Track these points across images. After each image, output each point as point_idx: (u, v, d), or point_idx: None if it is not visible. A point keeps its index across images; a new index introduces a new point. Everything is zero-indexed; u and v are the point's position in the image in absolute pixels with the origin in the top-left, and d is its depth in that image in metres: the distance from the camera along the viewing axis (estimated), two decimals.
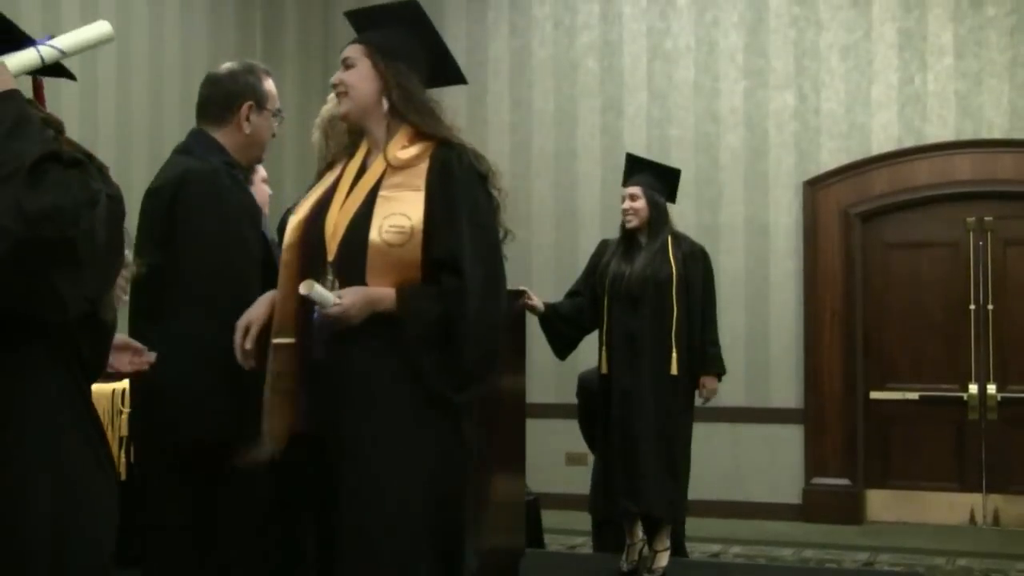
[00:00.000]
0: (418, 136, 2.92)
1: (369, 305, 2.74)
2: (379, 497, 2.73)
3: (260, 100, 3.24)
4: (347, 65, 2.97)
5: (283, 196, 5.81)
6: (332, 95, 3.89)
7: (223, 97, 3.21)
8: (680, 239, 5.25)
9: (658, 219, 5.20)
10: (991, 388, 7.50)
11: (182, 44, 7.11)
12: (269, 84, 3.30)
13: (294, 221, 2.94)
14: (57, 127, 1.97)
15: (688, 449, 5.23)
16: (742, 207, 7.95)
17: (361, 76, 2.94)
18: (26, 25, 2.37)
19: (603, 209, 8.00)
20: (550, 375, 7.24)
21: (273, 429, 2.87)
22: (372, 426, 2.74)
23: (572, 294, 5.44)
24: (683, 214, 7.86)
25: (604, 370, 5.18)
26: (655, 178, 5.32)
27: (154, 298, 2.99)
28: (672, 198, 5.42)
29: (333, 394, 2.79)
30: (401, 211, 2.79)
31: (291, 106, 8.10)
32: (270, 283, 2.98)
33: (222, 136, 3.19)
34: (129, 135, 6.67)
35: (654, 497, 5.03)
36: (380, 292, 2.76)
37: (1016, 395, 7.48)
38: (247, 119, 3.21)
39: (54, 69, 2.10)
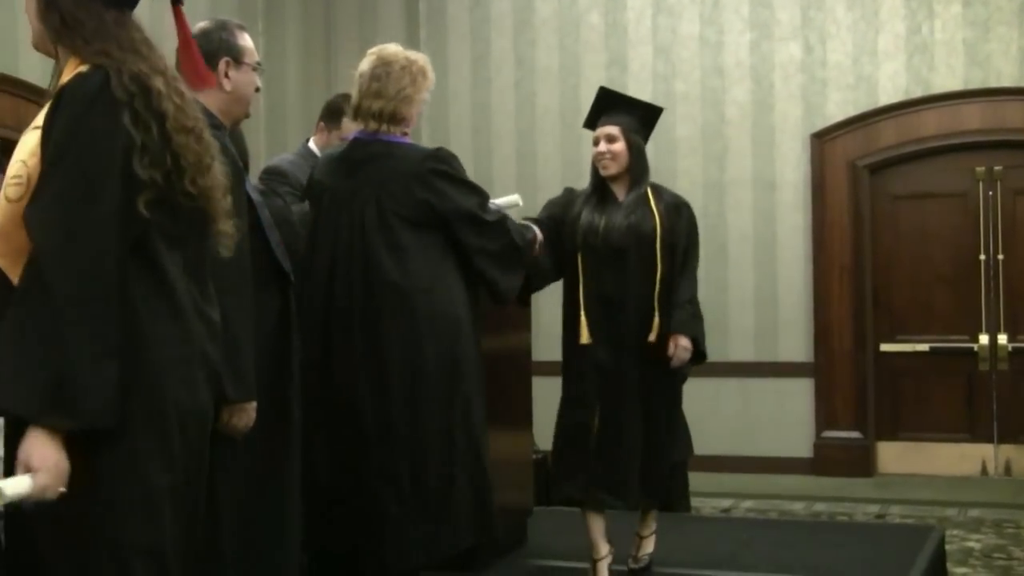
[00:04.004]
0: (82, 65, 2.28)
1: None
2: None
3: (236, 55, 3.20)
4: None
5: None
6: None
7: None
8: (660, 190, 4.41)
9: (638, 165, 4.33)
10: (1002, 338, 7.47)
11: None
12: (245, 39, 3.26)
13: None
14: None
15: (679, 411, 4.45)
16: (749, 161, 7.90)
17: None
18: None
19: None
20: (557, 332, 7.17)
21: None
22: None
23: None
24: (689, 170, 7.84)
25: (585, 339, 4.38)
26: (634, 118, 4.39)
27: None
28: (647, 139, 4.46)
29: None
30: (20, 157, 2.24)
31: (293, 66, 8.05)
32: (253, 243, 3.00)
33: (203, 97, 3.11)
34: None
35: (645, 488, 4.33)
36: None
37: None
38: (226, 76, 3.18)
39: None
